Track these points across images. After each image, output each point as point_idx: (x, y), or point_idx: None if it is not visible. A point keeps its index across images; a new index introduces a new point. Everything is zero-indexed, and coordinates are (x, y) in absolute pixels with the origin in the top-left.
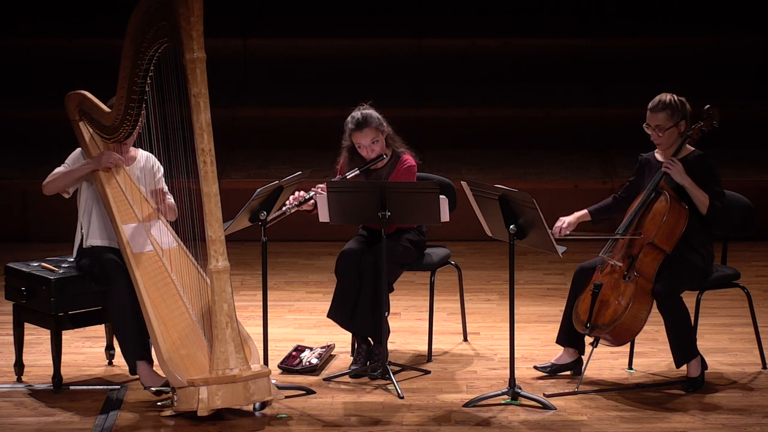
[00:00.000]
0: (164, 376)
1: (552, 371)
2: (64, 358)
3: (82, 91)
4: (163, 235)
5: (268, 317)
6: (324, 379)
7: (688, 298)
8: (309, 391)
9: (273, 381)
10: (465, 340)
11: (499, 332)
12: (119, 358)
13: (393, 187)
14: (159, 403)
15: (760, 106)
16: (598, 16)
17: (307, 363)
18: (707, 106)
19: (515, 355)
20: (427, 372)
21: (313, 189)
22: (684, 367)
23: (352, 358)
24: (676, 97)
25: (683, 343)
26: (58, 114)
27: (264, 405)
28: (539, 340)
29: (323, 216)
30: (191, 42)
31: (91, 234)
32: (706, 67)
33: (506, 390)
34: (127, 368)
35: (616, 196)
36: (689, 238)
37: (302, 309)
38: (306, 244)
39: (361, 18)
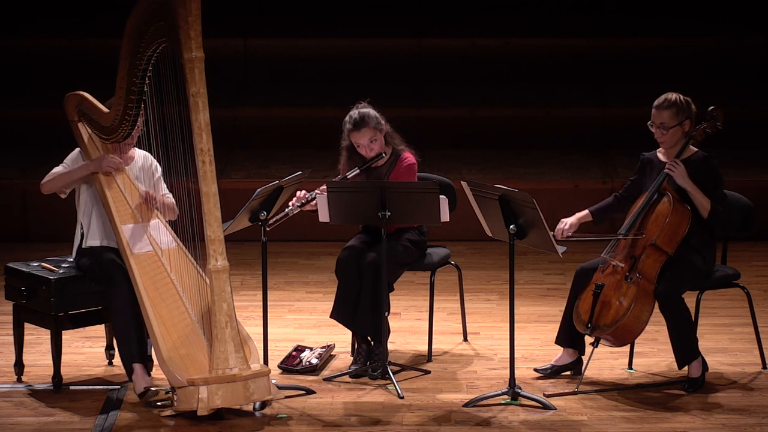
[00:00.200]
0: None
1: (552, 373)
2: (64, 358)
3: (81, 92)
4: (162, 235)
5: (268, 317)
6: (324, 379)
7: (688, 298)
8: (309, 391)
9: (273, 381)
10: (465, 340)
11: (499, 332)
12: (119, 358)
13: (393, 187)
14: (159, 403)
15: (760, 106)
16: (598, 13)
17: (307, 363)
18: (711, 107)
19: (515, 355)
20: (427, 372)
21: (316, 190)
22: (684, 367)
23: (352, 358)
24: (682, 97)
25: (685, 344)
26: (58, 114)
27: (264, 405)
28: (539, 340)
29: (323, 216)
30: (189, 42)
31: (90, 235)
32: (706, 67)
33: (506, 390)
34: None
35: (617, 195)
36: (691, 239)
37: (302, 309)
38: (306, 244)
39: (361, 18)
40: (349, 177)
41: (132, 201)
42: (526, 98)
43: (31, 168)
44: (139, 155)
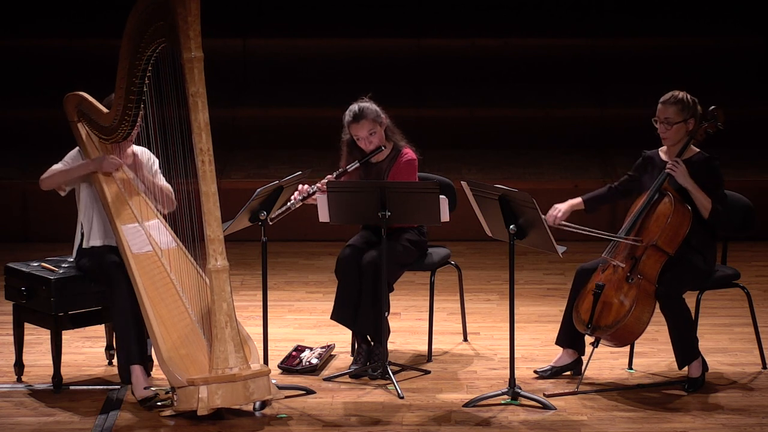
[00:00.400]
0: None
1: (552, 374)
2: (64, 358)
3: (81, 92)
4: (162, 235)
5: (268, 317)
6: (324, 379)
7: (689, 298)
8: (309, 391)
9: (273, 381)
10: (465, 340)
11: (499, 332)
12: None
13: (393, 187)
14: (159, 403)
15: (760, 106)
16: (597, 13)
17: (307, 363)
18: (712, 107)
19: (515, 355)
20: (427, 372)
21: (317, 184)
22: (684, 367)
23: (352, 358)
24: (689, 96)
25: (685, 345)
26: (58, 114)
27: (264, 405)
28: (539, 340)
29: (323, 216)
30: (189, 41)
31: (92, 235)
32: (706, 67)
33: (506, 390)
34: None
35: (611, 186)
36: (691, 239)
37: (302, 309)
38: (306, 244)
39: (361, 18)
40: (349, 170)
41: (132, 201)
42: (525, 98)
43: (31, 168)
44: (136, 151)
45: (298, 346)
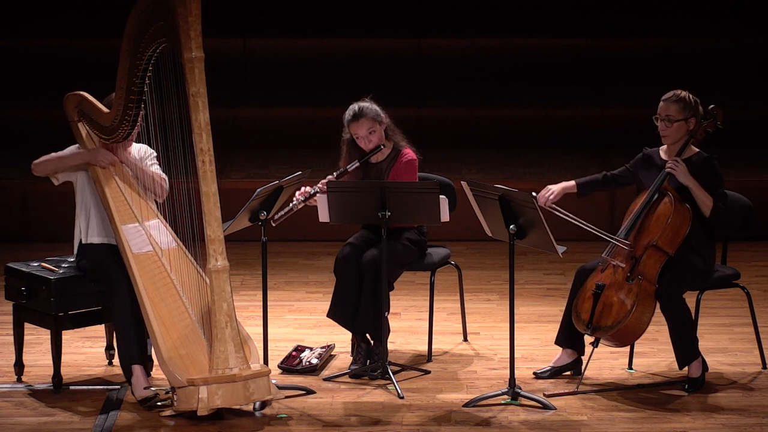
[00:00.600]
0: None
1: (552, 374)
2: (64, 358)
3: (81, 92)
4: (162, 235)
5: (268, 317)
6: (324, 379)
7: (689, 299)
8: (309, 391)
9: (273, 381)
10: (465, 340)
11: (499, 332)
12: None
13: (393, 187)
14: (159, 403)
15: (760, 106)
16: (598, 13)
17: (307, 363)
18: (711, 106)
19: (515, 355)
20: (427, 372)
21: (318, 184)
22: (684, 368)
23: (352, 358)
24: (691, 95)
25: (685, 345)
26: (58, 114)
27: (264, 405)
28: (539, 340)
29: (323, 216)
30: (189, 41)
31: (90, 232)
32: (706, 67)
33: (506, 390)
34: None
35: (606, 173)
36: (691, 239)
37: (302, 309)
38: (306, 244)
39: (361, 18)
40: (349, 170)
41: (132, 200)
42: (525, 98)
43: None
44: (134, 149)
45: (298, 346)
